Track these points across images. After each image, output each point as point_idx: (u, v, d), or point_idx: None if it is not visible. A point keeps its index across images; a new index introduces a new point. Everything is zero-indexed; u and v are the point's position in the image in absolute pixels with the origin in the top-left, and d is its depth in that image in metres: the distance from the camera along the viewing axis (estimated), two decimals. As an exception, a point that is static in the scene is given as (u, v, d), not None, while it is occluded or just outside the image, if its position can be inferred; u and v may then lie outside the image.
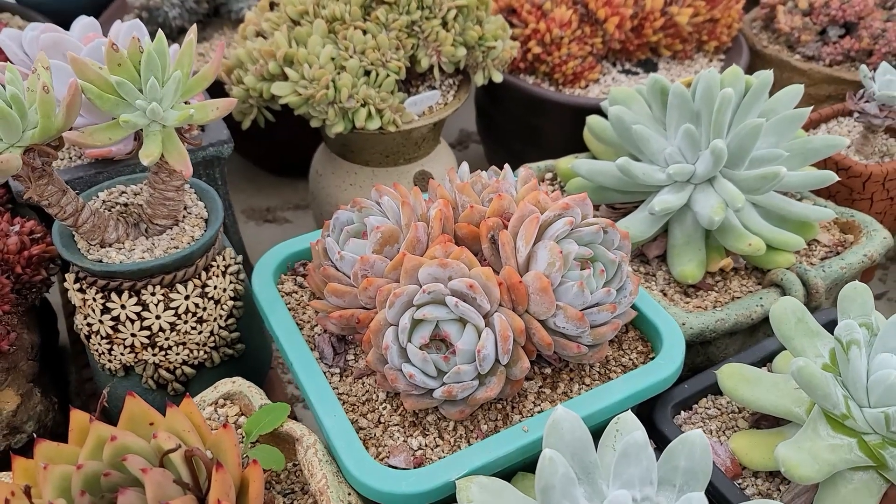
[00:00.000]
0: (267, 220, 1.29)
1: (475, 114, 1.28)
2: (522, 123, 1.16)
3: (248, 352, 0.82)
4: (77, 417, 0.57)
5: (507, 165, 0.79)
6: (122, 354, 0.73)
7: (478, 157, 1.43)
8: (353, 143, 0.96)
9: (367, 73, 0.88)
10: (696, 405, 0.74)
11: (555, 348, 0.68)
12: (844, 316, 0.65)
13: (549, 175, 1.00)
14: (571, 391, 0.70)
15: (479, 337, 0.63)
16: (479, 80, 0.96)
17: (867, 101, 0.98)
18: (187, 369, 0.76)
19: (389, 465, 0.64)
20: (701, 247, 0.86)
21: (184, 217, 0.75)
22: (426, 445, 0.66)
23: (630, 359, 0.73)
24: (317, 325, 0.75)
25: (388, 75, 0.88)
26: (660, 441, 0.70)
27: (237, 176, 1.38)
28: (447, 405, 0.66)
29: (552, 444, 0.56)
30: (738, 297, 0.84)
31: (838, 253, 0.89)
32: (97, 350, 0.74)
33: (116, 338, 0.72)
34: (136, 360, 0.73)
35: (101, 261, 0.70)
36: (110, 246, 0.71)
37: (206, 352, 0.76)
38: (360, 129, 0.88)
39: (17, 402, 0.73)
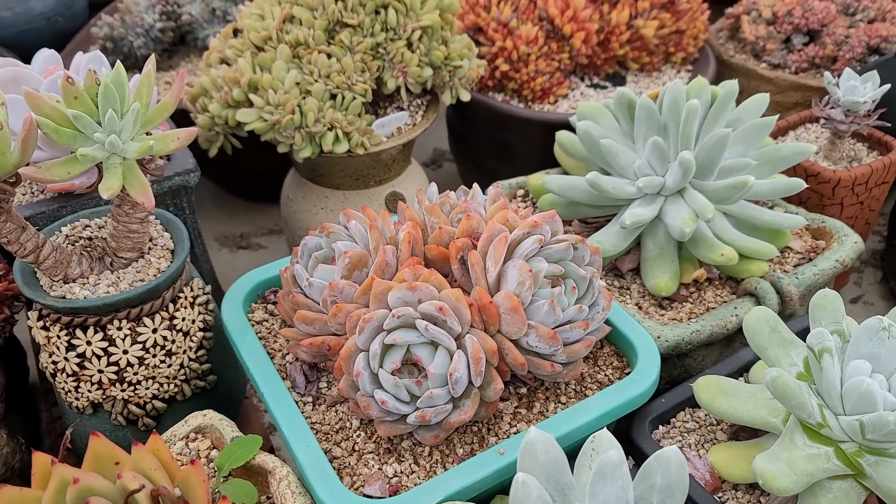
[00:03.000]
0: (241, 247, 1.28)
1: (447, 133, 1.28)
2: (494, 141, 1.16)
3: (220, 383, 0.80)
4: (39, 460, 0.56)
5: (475, 185, 0.78)
6: (89, 391, 0.71)
7: (452, 176, 1.43)
8: (322, 167, 0.95)
9: (333, 96, 0.87)
10: (674, 419, 0.73)
11: (529, 368, 0.67)
12: (816, 324, 0.65)
13: (520, 192, 0.99)
14: (547, 410, 0.69)
15: (451, 360, 0.62)
16: (447, 99, 0.96)
17: (833, 108, 0.99)
18: (158, 403, 0.74)
19: (364, 495, 0.63)
20: (674, 258, 0.85)
21: (149, 249, 0.74)
22: (402, 472, 0.64)
23: (606, 375, 0.72)
24: (288, 354, 0.74)
25: (354, 98, 0.88)
26: (638, 457, 0.69)
27: (209, 203, 1.37)
28: (422, 430, 0.65)
29: (526, 467, 0.55)
30: (713, 308, 0.84)
31: (811, 259, 0.89)
32: (63, 388, 0.72)
33: (83, 375, 0.70)
34: (105, 396, 0.72)
35: (64, 297, 0.68)
36: (74, 281, 0.70)
37: (176, 385, 0.75)
38: (328, 153, 0.88)
39: (-17, 445, 0.71)
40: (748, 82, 1.24)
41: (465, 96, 0.97)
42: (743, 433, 0.70)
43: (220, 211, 1.36)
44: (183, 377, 0.75)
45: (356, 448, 0.66)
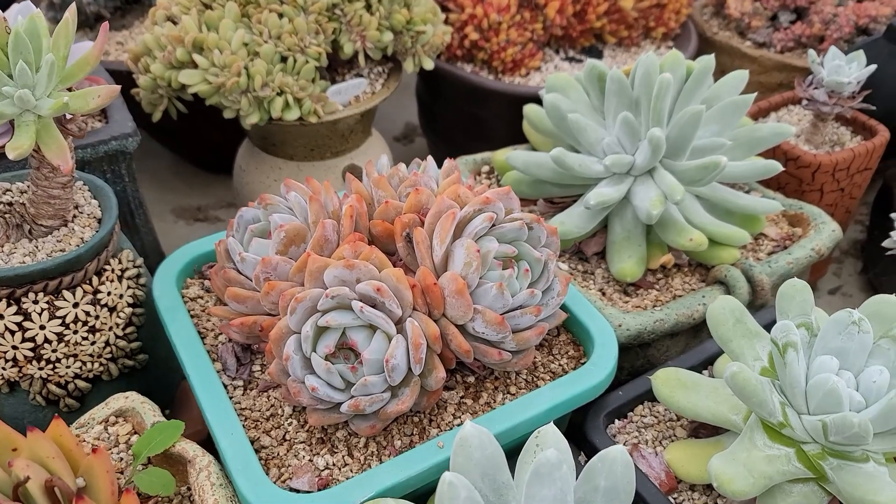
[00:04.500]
0: (198, 220, 1.22)
1: (417, 106, 1.22)
2: (463, 114, 1.10)
3: (154, 363, 0.75)
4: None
5: (429, 157, 0.73)
6: (3, 369, 0.66)
7: (424, 152, 1.37)
8: (274, 136, 0.90)
9: (284, 59, 0.82)
10: (631, 413, 0.69)
11: (475, 355, 0.62)
12: (783, 316, 0.60)
13: (485, 168, 0.94)
14: (495, 401, 0.64)
15: (389, 345, 0.58)
16: (409, 67, 0.91)
17: (816, 88, 0.94)
18: (81, 383, 0.69)
19: (291, 488, 0.58)
20: (641, 243, 0.81)
21: (74, 217, 0.68)
22: (334, 465, 0.60)
23: (560, 364, 0.68)
24: (221, 334, 0.69)
25: (307, 62, 0.82)
26: (591, 454, 0.65)
27: (168, 173, 1.31)
28: (357, 420, 0.60)
29: (460, 464, 0.50)
30: (680, 296, 0.79)
31: (786, 247, 0.85)
32: (-24, 364, 0.67)
33: (-4, 351, 0.65)
34: (21, 374, 0.67)
35: (-26, 266, 0.63)
36: (-12, 249, 0.65)
37: (101, 364, 0.70)
38: (277, 121, 0.82)
39: None
40: (731, 61, 1.19)
41: (429, 64, 0.91)
42: (703, 430, 0.66)
43: (178, 181, 1.30)
44: (109, 356, 0.70)
45: (287, 437, 0.62)
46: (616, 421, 0.68)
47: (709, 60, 0.81)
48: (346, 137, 0.92)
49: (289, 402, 0.62)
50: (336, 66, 0.92)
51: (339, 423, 0.62)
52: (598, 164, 0.80)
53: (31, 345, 0.65)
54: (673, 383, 0.64)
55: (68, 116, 0.62)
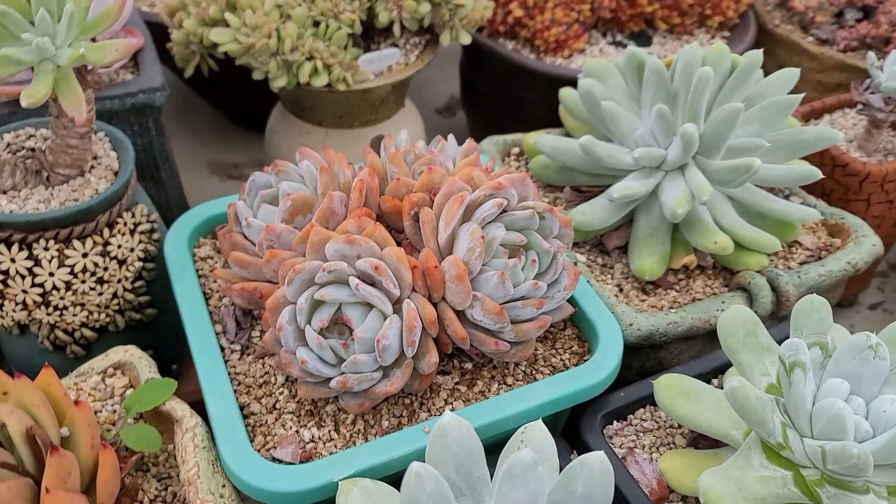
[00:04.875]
0: (232, 177, 1.23)
1: (459, 79, 1.20)
2: (502, 92, 1.08)
3: (163, 319, 0.76)
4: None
5: (450, 136, 0.72)
6: (13, 311, 0.67)
7: (463, 127, 1.35)
8: (303, 100, 0.89)
9: (317, 24, 0.80)
10: (632, 416, 0.67)
11: (472, 343, 0.61)
12: (797, 332, 0.57)
13: (516, 150, 0.92)
14: (489, 391, 0.63)
15: (383, 325, 0.57)
16: (445, 40, 0.89)
17: (872, 93, 0.89)
18: (87, 332, 0.70)
19: (274, 458, 0.58)
20: (665, 241, 0.78)
21: (91, 168, 0.69)
22: (319, 438, 0.59)
23: (561, 359, 0.66)
24: (225, 297, 0.69)
25: (339, 28, 0.81)
26: (584, 453, 0.63)
27: (207, 128, 1.32)
28: (346, 396, 0.60)
29: (435, 454, 0.49)
30: (699, 300, 0.76)
31: (820, 258, 0.81)
32: (-12, 305, 0.68)
33: (7, 293, 0.66)
34: (30, 318, 0.68)
35: (-11, 209, 0.64)
36: (4, 193, 0.66)
37: (108, 315, 0.70)
38: (305, 85, 0.81)
39: None
40: (790, 56, 1.13)
41: (466, 39, 0.89)
42: (703, 441, 0.64)
43: (217, 137, 1.31)
44: (116, 307, 0.71)
45: (277, 406, 0.62)
46: (615, 422, 0.66)
47: (755, 56, 0.77)
48: (377, 108, 0.90)
49: (281, 371, 0.62)
50: (372, 35, 0.91)
51: (329, 397, 0.61)
52: (627, 156, 0.78)
53: (39, 290, 0.66)
54: (675, 390, 0.61)
55: (88, 68, 0.62)
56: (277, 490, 0.54)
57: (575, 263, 0.77)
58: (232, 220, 0.67)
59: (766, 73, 0.78)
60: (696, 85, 0.74)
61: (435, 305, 0.61)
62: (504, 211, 0.62)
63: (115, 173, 0.69)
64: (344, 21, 0.80)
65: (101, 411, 0.62)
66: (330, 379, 0.58)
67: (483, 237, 0.58)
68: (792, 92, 0.78)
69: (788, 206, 0.79)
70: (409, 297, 0.59)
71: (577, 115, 0.87)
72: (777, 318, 0.77)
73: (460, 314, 0.60)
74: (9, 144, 0.70)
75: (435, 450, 0.49)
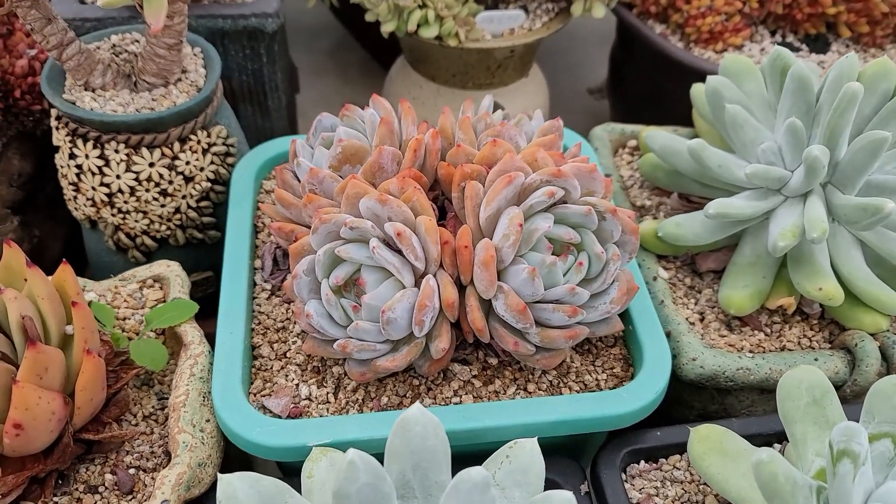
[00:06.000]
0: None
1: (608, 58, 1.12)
2: (646, 80, 0.99)
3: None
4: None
5: (538, 111, 0.65)
6: (84, 205, 0.70)
7: (605, 111, 1.26)
8: (417, 52, 0.85)
9: (437, -29, 0.76)
10: (664, 459, 0.59)
11: (493, 337, 0.56)
12: (867, 417, 0.47)
13: (632, 143, 0.83)
14: (505, 393, 0.57)
15: (394, 296, 0.53)
16: (577, 10, 0.81)
17: None
18: (148, 240, 0.72)
19: (263, 406, 0.56)
20: (767, 275, 0.67)
21: (178, 81, 0.69)
22: (315, 398, 0.57)
23: (597, 378, 0.59)
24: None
25: (461, -21, 0.76)
26: (596, 488, 0.56)
27: (355, 69, 1.32)
28: (350, 362, 0.56)
29: (395, 447, 0.45)
30: (790, 350, 0.65)
31: (959, 336, 0.67)
32: (66, 194, 0.71)
33: (81, 186, 0.69)
34: (98, 215, 0.70)
35: (73, 103, 0.66)
36: (94, 91, 0.67)
37: (169, 228, 0.71)
38: (413, 34, 0.77)
39: (-17, 224, 0.72)
40: None
41: (599, 12, 0.81)
42: (735, 510, 0.55)
43: (363, 79, 1.31)
44: (178, 222, 0.71)
45: (287, 354, 0.60)
46: (642, 462, 0.58)
47: (927, 80, 0.64)
48: (493, 71, 0.85)
49: (298, 321, 0.60)
50: (505, -7, 0.85)
51: (336, 358, 0.58)
52: (741, 171, 0.68)
53: (106, 190, 0.68)
54: (712, 444, 0.53)
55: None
56: (250, 439, 0.52)
57: (654, 278, 0.69)
58: (291, 157, 0.65)
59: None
60: (839, 102, 0.62)
61: (463, 288, 0.56)
62: (560, 202, 0.55)
63: (199, 90, 0.69)
64: (467, -27, 0.76)
65: (129, 319, 0.63)
66: (336, 340, 0.55)
67: (521, 225, 0.52)
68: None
69: (932, 266, 0.66)
70: (434, 274, 0.55)
71: (703, 115, 0.77)
72: (882, 393, 0.65)
73: (487, 304, 0.55)
74: (114, 45, 0.72)
75: (395, 442, 0.45)
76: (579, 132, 0.78)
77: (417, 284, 0.54)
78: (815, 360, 0.64)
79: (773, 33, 0.93)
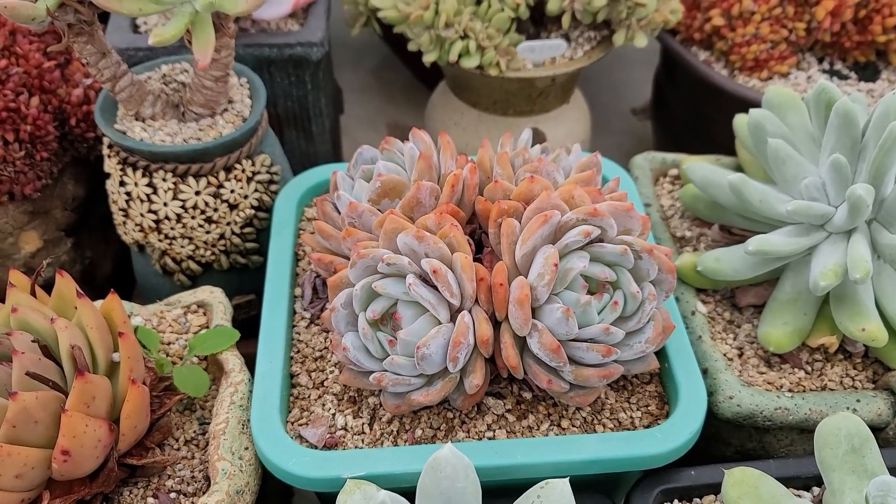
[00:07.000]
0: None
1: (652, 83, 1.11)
2: (689, 107, 0.98)
3: (268, 267, 0.78)
4: (13, 276, 0.57)
5: (576, 145, 0.65)
6: (133, 231, 0.72)
7: (648, 134, 1.25)
8: (460, 79, 0.86)
9: (479, 2, 0.77)
10: (698, 500, 0.58)
11: (527, 374, 0.56)
12: (908, 470, 0.46)
13: (673, 172, 0.83)
14: (538, 429, 0.58)
15: (429, 332, 0.53)
16: (619, 39, 0.81)
17: None
18: (193, 265, 0.74)
19: (300, 435, 0.57)
20: (808, 312, 0.67)
21: (224, 111, 0.71)
22: (351, 428, 0.58)
23: (631, 416, 0.59)
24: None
25: (502, 10, 0.76)
26: (628, 526, 0.56)
27: (398, 89, 1.34)
28: (386, 394, 0.57)
29: (425, 488, 0.46)
30: (831, 390, 0.64)
31: None
32: (115, 219, 0.74)
33: (130, 212, 0.71)
34: (146, 240, 0.72)
35: (124, 133, 0.68)
36: (144, 120, 0.70)
37: (213, 253, 0.73)
38: (453, 64, 0.78)
39: (38, 246, 0.75)
40: None
41: (642, 42, 0.81)
42: (770, 556, 0.54)
43: (406, 99, 1.32)
44: (223, 248, 0.73)
45: (324, 384, 0.61)
46: (675, 501, 0.58)
47: (978, 118, 0.62)
48: (534, 99, 0.85)
49: (335, 352, 0.61)
50: (545, 23, 0.85)
51: (371, 389, 0.59)
52: (783, 206, 0.67)
53: (154, 216, 0.70)
54: (747, 488, 0.52)
55: (224, 15, 0.64)
56: (286, 469, 0.54)
57: (693, 313, 0.68)
58: (332, 188, 0.66)
59: None
60: (884, 141, 0.61)
61: (498, 324, 0.56)
62: (596, 240, 0.55)
63: (245, 120, 0.71)
64: (508, 3, 0.76)
65: (174, 343, 0.65)
66: (371, 372, 0.56)
67: (556, 265, 0.53)
68: None
69: (981, 306, 0.64)
70: (469, 310, 0.55)
71: (746, 146, 0.76)
72: (924, 438, 0.64)
73: (521, 340, 0.56)
74: (164, 75, 0.74)
75: (426, 481, 0.46)
76: (621, 153, 0.78)
77: (453, 320, 0.55)
78: (858, 400, 0.63)
79: (820, 60, 0.92)
